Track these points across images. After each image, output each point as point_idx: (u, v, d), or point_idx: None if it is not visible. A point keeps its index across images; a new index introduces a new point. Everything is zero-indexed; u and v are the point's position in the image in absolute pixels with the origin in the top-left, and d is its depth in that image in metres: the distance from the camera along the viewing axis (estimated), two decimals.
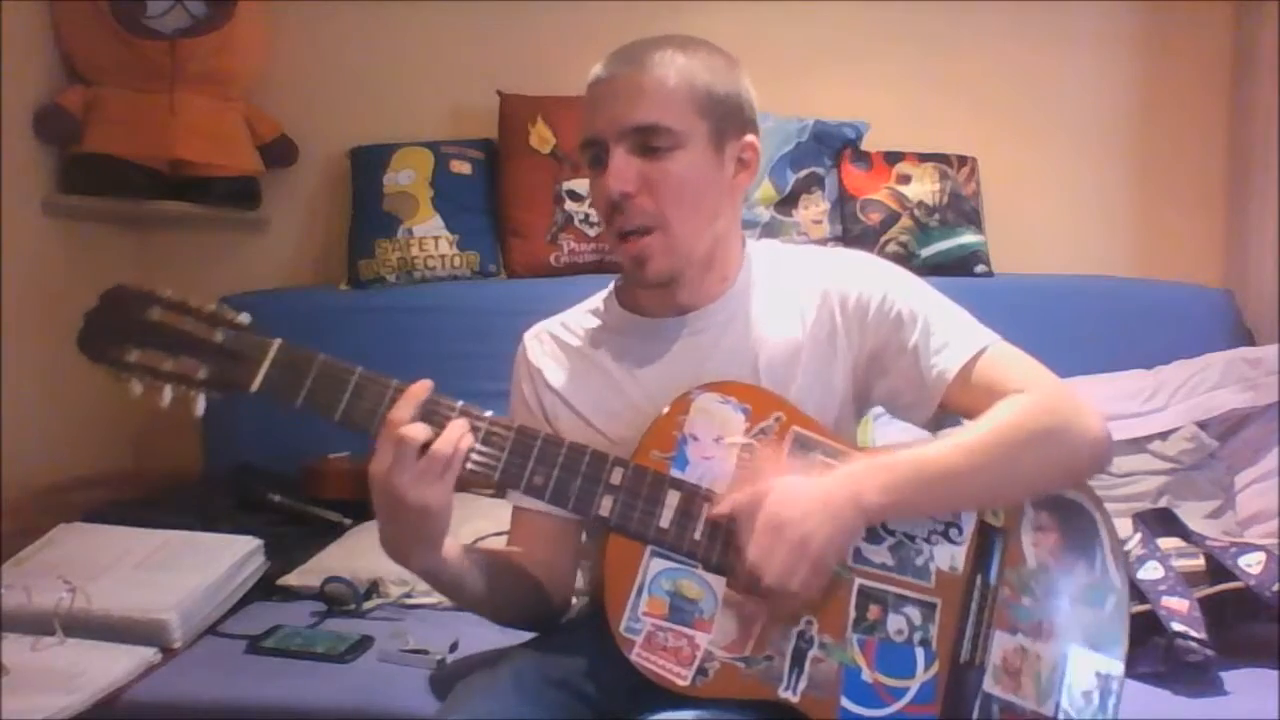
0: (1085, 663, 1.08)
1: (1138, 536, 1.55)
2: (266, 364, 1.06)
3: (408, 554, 1.08)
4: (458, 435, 1.03)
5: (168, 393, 1.06)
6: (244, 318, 1.08)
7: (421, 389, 1.05)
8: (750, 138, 1.20)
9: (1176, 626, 1.33)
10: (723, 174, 1.17)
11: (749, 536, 1.02)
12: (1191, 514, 1.77)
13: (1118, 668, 1.09)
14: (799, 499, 1.03)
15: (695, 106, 1.14)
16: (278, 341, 1.07)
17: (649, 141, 1.12)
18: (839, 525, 1.03)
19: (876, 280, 1.19)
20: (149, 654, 1.43)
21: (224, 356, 1.06)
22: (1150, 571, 1.43)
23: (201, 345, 1.06)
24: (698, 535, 1.07)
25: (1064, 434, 1.09)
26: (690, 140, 1.13)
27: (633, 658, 1.04)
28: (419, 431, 1.01)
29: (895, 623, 1.07)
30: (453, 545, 1.11)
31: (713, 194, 1.17)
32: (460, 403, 1.07)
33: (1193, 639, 1.33)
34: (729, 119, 1.17)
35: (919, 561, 1.08)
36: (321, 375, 1.06)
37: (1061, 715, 1.06)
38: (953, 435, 1.10)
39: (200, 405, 1.06)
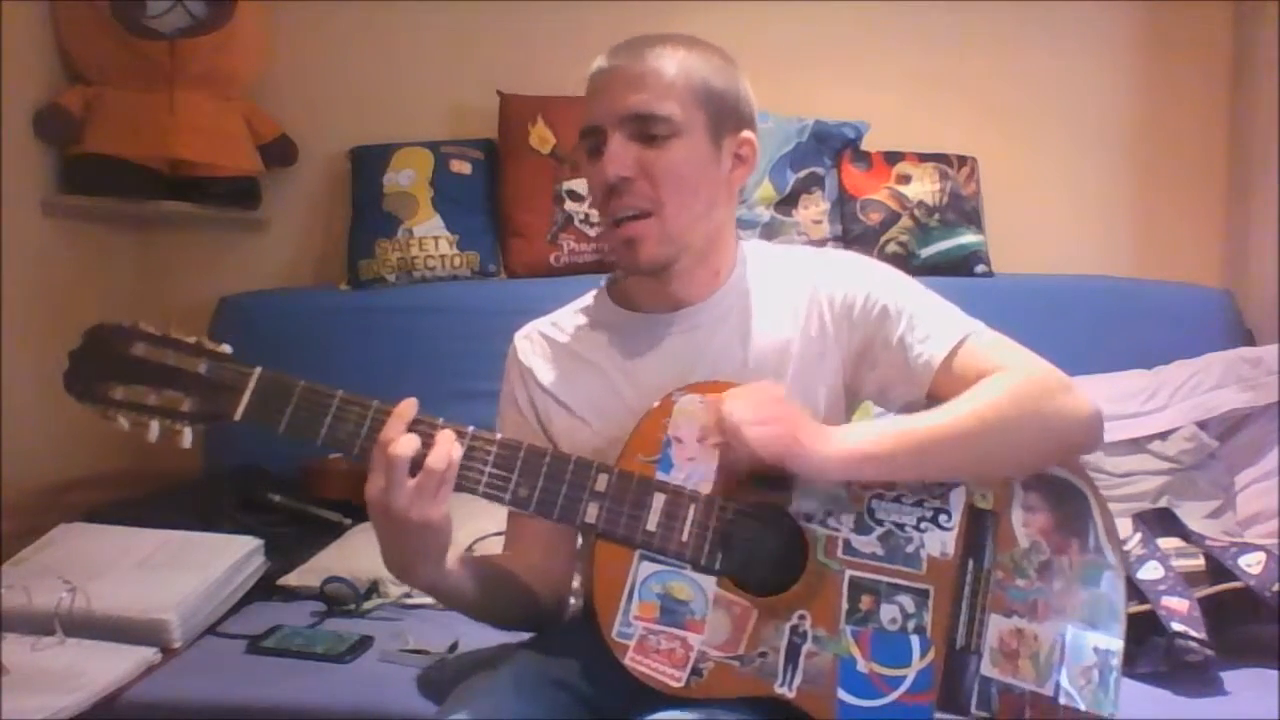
0: (1083, 641, 1.08)
1: (1138, 536, 1.55)
2: (248, 393, 1.07)
3: (412, 571, 1.09)
4: (448, 449, 1.03)
5: (154, 428, 1.07)
6: (225, 348, 1.09)
7: (408, 408, 1.05)
8: (747, 134, 1.21)
9: (1176, 626, 1.33)
10: (719, 167, 1.18)
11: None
12: (1191, 514, 1.77)
13: (1116, 644, 1.08)
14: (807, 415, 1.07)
15: (693, 98, 1.15)
16: (258, 370, 1.08)
17: (647, 129, 1.14)
18: (827, 439, 1.04)
19: (860, 278, 1.20)
20: (149, 654, 1.43)
21: (207, 387, 1.07)
22: (1150, 571, 1.43)
23: (185, 378, 1.07)
24: (685, 536, 1.07)
25: (1053, 409, 1.09)
26: (688, 130, 1.14)
27: (626, 662, 1.04)
28: (407, 447, 1.01)
29: (888, 612, 1.06)
30: (452, 556, 1.11)
31: (709, 185, 1.18)
32: (441, 419, 1.06)
33: (1193, 639, 1.33)
34: (726, 113, 1.18)
35: (909, 549, 1.08)
36: (302, 401, 1.07)
37: (1062, 694, 1.06)
38: (941, 406, 1.09)
39: (187, 438, 1.08)
